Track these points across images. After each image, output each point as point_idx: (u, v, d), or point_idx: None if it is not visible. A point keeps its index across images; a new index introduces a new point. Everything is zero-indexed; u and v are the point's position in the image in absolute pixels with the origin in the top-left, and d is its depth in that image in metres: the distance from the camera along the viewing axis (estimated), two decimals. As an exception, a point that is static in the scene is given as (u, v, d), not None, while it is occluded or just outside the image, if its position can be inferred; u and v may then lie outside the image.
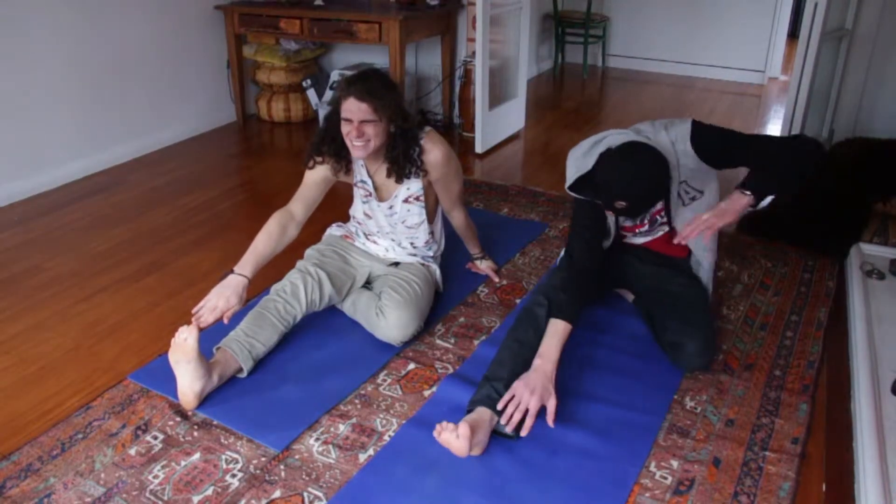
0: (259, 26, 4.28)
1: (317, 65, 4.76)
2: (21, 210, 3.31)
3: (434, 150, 2.21)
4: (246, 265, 2.13)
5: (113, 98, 3.83)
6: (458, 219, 2.49)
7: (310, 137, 4.17)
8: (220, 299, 2.04)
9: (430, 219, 2.38)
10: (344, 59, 4.81)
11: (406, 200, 2.29)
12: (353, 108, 2.04)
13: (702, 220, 1.88)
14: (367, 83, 2.05)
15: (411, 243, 2.39)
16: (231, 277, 2.10)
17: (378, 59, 4.64)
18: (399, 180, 2.22)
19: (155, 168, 3.86)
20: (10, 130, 3.36)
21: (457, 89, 4.49)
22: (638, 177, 1.88)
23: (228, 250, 2.91)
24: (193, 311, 2.04)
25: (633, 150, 1.92)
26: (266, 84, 4.57)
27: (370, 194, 2.31)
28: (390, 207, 2.31)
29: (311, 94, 4.57)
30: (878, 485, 1.59)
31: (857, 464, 1.70)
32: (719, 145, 2.00)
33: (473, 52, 4.06)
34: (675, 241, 2.03)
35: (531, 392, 1.80)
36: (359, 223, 2.44)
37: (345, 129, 2.09)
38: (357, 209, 2.42)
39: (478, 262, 2.69)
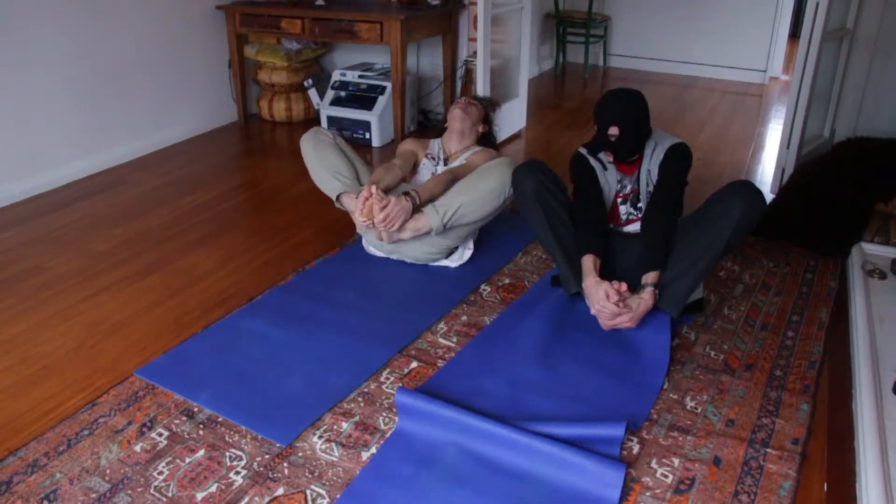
0: (260, 26, 4.28)
1: (318, 64, 4.77)
2: (23, 210, 3.33)
3: (489, 151, 2.85)
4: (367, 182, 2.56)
5: (114, 98, 3.83)
6: (445, 174, 2.67)
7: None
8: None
9: None
10: (345, 59, 4.82)
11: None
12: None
13: (622, 321, 2.22)
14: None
15: None
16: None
17: (379, 58, 4.65)
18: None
19: (156, 168, 3.87)
20: (11, 130, 3.36)
21: (458, 89, 4.49)
22: (627, 101, 2.33)
23: (230, 249, 2.92)
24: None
25: (623, 88, 2.42)
26: (267, 84, 4.57)
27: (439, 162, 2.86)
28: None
29: (313, 93, 4.58)
30: (879, 485, 1.59)
31: (859, 464, 1.70)
32: (673, 174, 2.36)
33: (475, 52, 4.07)
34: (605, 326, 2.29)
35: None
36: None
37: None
38: (423, 176, 2.82)
39: (403, 197, 2.51)
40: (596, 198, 2.39)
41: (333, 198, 2.65)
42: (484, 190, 2.50)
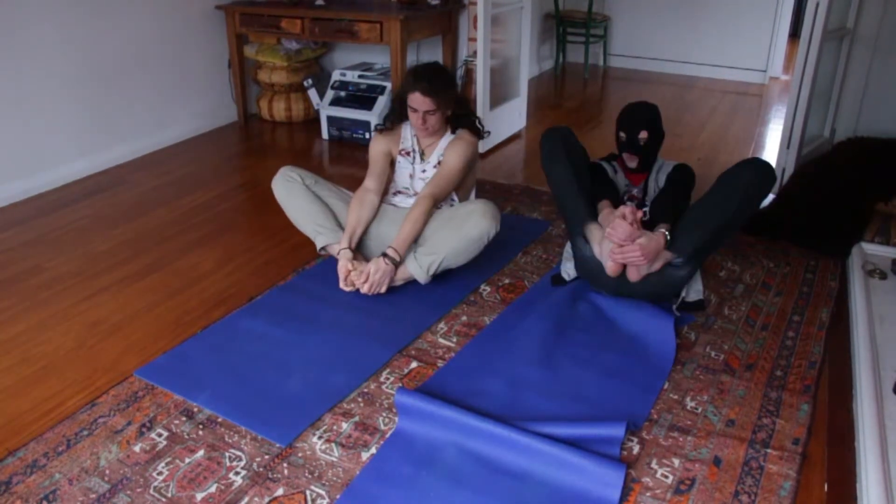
0: (260, 26, 4.28)
1: (318, 64, 4.77)
2: (23, 210, 3.33)
3: (464, 138, 2.66)
4: (343, 240, 2.54)
5: (114, 98, 3.83)
6: (421, 205, 2.53)
7: (311, 137, 4.22)
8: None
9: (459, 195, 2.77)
10: (345, 59, 4.82)
11: (436, 165, 2.68)
12: (419, 101, 2.52)
13: (633, 253, 2.23)
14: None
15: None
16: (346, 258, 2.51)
17: (379, 58, 4.65)
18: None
19: (156, 168, 3.87)
20: (11, 130, 3.36)
21: (458, 89, 4.48)
22: (653, 111, 2.53)
23: (230, 249, 2.92)
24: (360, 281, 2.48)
25: (643, 101, 2.59)
26: (267, 84, 4.57)
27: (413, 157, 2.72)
28: (423, 172, 2.69)
29: (313, 93, 4.57)
30: (879, 485, 1.59)
31: (859, 464, 1.70)
32: (680, 185, 2.50)
33: (475, 52, 4.07)
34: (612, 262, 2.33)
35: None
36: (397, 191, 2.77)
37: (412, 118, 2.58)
38: (402, 176, 2.74)
39: (382, 260, 2.49)
40: (609, 181, 2.57)
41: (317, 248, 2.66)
42: (466, 240, 2.47)
